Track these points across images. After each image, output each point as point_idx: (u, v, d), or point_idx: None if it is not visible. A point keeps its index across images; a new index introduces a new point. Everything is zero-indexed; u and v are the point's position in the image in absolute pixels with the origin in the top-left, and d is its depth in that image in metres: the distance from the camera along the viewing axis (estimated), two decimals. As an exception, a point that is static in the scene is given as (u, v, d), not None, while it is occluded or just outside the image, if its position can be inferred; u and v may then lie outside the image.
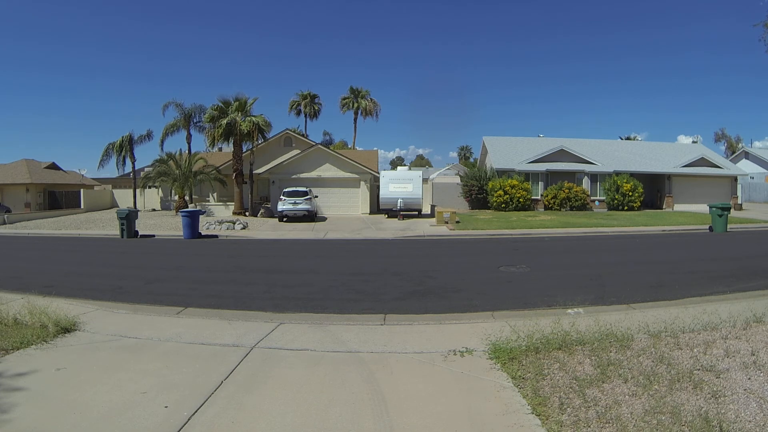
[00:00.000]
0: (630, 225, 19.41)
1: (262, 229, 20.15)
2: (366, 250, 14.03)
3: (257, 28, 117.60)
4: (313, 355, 4.84)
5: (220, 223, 20.03)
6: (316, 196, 25.20)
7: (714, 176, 30.71)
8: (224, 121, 25.29)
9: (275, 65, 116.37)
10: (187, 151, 30.11)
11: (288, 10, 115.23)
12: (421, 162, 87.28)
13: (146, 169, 32.65)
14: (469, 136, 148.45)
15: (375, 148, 42.13)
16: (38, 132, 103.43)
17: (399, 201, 23.96)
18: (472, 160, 65.86)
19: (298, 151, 28.28)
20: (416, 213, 25.08)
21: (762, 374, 3.91)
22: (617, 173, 28.62)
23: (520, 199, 27.28)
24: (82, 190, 33.96)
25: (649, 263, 10.64)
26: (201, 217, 18.46)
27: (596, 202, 28.85)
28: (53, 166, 39.19)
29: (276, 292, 8.08)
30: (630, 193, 27.49)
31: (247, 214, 26.31)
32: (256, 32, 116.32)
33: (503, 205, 27.20)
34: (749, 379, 3.84)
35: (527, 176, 29.03)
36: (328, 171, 27.60)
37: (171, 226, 20.40)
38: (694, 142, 46.39)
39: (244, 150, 26.66)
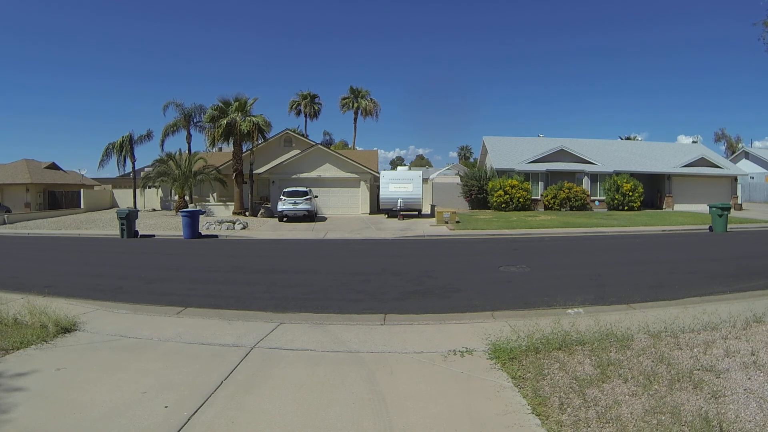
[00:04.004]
0: (630, 225, 19.41)
1: (262, 229, 20.15)
2: (366, 250, 14.03)
3: (257, 28, 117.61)
4: (313, 355, 4.84)
5: (220, 223, 20.02)
6: (316, 196, 25.19)
7: (714, 176, 30.70)
8: (224, 121, 25.30)
9: (275, 65, 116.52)
10: (187, 151, 30.14)
11: (288, 10, 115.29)
12: (421, 162, 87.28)
13: (146, 169, 32.66)
14: (469, 136, 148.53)
15: (375, 148, 42.22)
16: (38, 132, 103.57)
17: (399, 201, 23.95)
18: (472, 160, 65.90)
19: (298, 151, 28.28)
20: (416, 213, 25.06)
21: (762, 374, 3.90)
22: (617, 173, 28.62)
23: (520, 199, 27.28)
24: (82, 190, 33.95)
25: (649, 263, 10.63)
26: (201, 217, 18.46)
27: (596, 202, 28.85)
28: (53, 166, 39.17)
29: (276, 292, 8.09)
30: (630, 193, 27.49)
31: (247, 214, 26.31)
32: (256, 32, 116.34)
33: (503, 205, 27.20)
34: (749, 379, 3.84)
35: (527, 176, 29.03)
36: (328, 171, 27.60)
37: (171, 226, 20.39)
38: (694, 142, 46.39)
39: (244, 150, 26.66)
